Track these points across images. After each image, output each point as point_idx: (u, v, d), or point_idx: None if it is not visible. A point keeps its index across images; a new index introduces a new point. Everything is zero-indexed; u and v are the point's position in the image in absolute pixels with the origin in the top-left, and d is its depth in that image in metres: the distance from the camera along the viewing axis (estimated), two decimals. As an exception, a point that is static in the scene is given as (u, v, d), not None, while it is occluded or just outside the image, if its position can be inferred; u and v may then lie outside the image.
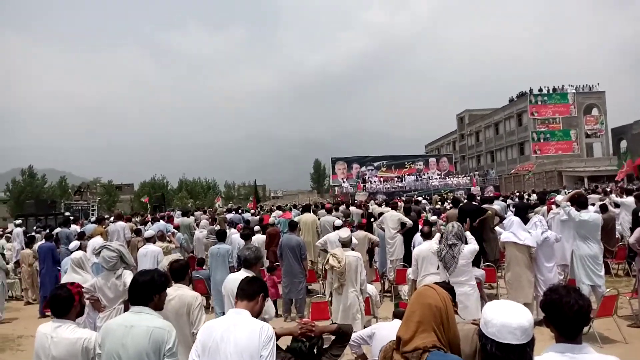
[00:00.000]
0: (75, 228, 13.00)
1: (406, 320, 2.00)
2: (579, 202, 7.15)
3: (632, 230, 8.14)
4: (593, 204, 11.56)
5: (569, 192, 11.25)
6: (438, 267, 5.78)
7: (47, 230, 11.88)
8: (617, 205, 11.36)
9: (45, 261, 9.60)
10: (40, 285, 9.66)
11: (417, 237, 8.59)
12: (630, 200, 11.11)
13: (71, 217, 17.83)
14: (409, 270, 7.70)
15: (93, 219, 18.97)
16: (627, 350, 5.72)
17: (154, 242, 8.17)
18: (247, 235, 8.57)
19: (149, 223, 13.70)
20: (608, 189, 20.06)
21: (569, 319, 1.92)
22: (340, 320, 5.49)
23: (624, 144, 51.69)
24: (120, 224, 10.72)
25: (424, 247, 6.63)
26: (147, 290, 2.86)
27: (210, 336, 2.62)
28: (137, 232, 10.21)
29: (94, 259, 7.15)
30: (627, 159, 18.06)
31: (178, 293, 3.78)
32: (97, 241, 8.80)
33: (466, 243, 5.68)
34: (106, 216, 17.15)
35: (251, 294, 2.80)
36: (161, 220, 12.86)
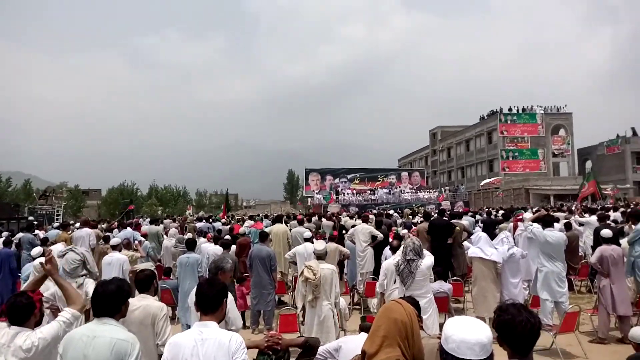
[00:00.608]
0: (38, 233, 12.58)
1: (372, 334, 2.01)
2: (545, 221, 7.35)
3: (594, 249, 8.41)
4: (558, 221, 11.90)
5: (535, 210, 11.53)
6: (395, 282, 5.84)
7: (6, 236, 11.41)
8: (581, 224, 11.70)
9: (2, 268, 9.17)
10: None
11: (387, 250, 8.66)
12: (593, 219, 11.48)
13: (35, 222, 17.25)
14: (378, 283, 7.74)
15: (57, 224, 18.42)
16: (587, 366, 5.86)
17: (120, 250, 7.97)
18: (226, 244, 8.46)
19: (115, 230, 13.38)
20: (573, 208, 20.65)
21: (522, 337, 1.98)
22: (315, 333, 5.43)
23: (589, 164, 53.45)
24: (86, 230, 10.42)
25: (392, 261, 6.66)
26: (114, 301, 2.80)
27: (178, 354, 2.56)
28: (106, 239, 9.94)
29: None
30: (589, 180, 18.65)
31: (143, 303, 3.69)
32: (58, 248, 8.52)
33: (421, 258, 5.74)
34: (71, 222, 16.68)
35: (214, 305, 2.74)
36: (128, 228, 12.56)
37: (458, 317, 1.94)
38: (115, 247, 7.88)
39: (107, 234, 11.73)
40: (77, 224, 13.14)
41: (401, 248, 6.65)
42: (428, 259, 5.74)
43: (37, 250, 7.00)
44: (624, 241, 8.03)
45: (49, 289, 5.14)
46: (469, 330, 1.80)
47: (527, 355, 2.02)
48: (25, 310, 2.97)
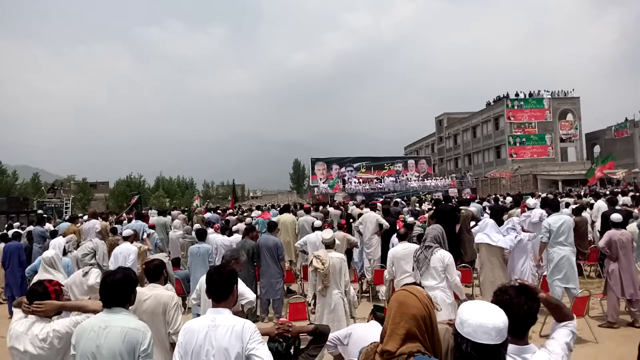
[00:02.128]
0: (48, 226, 12.70)
1: (392, 332, 1.97)
2: (551, 206, 7.32)
3: (601, 233, 8.37)
4: (568, 206, 11.84)
5: (539, 196, 11.42)
6: (413, 269, 5.78)
7: (14, 229, 11.54)
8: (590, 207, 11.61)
9: (11, 261, 9.29)
10: (6, 285, 9.34)
11: (394, 238, 8.68)
12: (601, 203, 11.41)
13: (44, 216, 17.41)
14: (386, 271, 7.76)
15: (66, 217, 18.59)
16: (598, 350, 5.86)
17: (132, 242, 8.02)
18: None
19: (125, 222, 13.47)
20: (581, 193, 20.55)
21: (519, 318, 2.00)
22: (326, 322, 5.46)
23: (597, 149, 53.05)
24: (94, 222, 10.52)
25: (399, 248, 6.68)
26: (122, 290, 2.81)
27: (192, 339, 2.59)
28: (113, 231, 10.01)
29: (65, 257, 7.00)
30: (606, 161, 18.53)
31: (153, 293, 3.72)
32: (59, 241, 8.59)
33: (444, 248, 5.64)
34: (80, 214, 16.80)
35: (225, 292, 2.75)
36: (138, 220, 12.64)
37: (473, 301, 1.92)
38: (127, 239, 7.94)
39: (117, 225, 11.81)
40: (86, 217, 13.24)
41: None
42: (442, 253, 5.55)
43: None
44: (633, 225, 7.98)
45: (59, 280, 5.21)
46: (486, 314, 1.79)
47: (523, 338, 2.04)
48: (40, 299, 3.01)
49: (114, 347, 2.63)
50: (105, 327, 2.68)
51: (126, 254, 7.30)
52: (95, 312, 2.97)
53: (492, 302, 2.04)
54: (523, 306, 2.00)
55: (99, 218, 11.89)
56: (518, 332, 2.01)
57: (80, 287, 4.89)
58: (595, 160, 22.14)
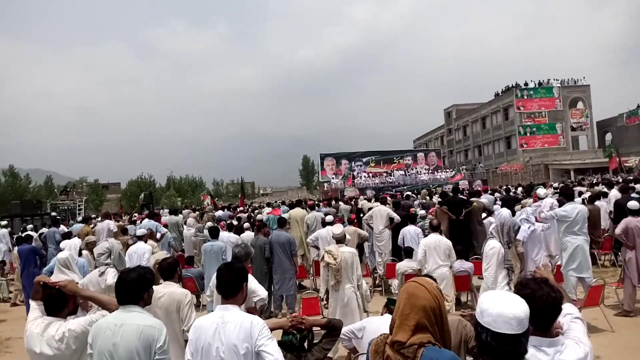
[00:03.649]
0: (62, 228, 12.85)
1: (401, 323, 1.97)
2: (566, 195, 7.25)
3: (614, 221, 8.28)
4: (581, 194, 11.72)
5: (550, 186, 11.31)
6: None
7: (30, 229, 11.71)
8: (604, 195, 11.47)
9: (27, 263, 9.42)
10: (23, 287, 9.47)
11: (405, 230, 8.70)
12: (614, 192, 11.29)
13: (58, 218, 17.62)
14: (399, 265, 7.76)
15: (80, 218, 18.79)
16: (614, 339, 5.82)
17: (146, 241, 8.10)
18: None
19: (138, 222, 13.59)
20: (594, 181, 20.32)
21: (544, 312, 1.96)
22: (339, 316, 5.48)
23: (609, 137, 52.40)
24: (107, 222, 10.64)
25: (431, 239, 6.79)
26: (136, 288, 2.83)
27: (201, 336, 2.61)
28: (124, 231, 10.11)
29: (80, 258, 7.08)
30: (613, 153, 18.34)
31: (167, 290, 3.76)
32: (74, 242, 8.70)
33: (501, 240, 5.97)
34: (93, 215, 16.97)
35: (234, 288, 2.75)
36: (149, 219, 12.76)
37: (494, 291, 1.90)
38: (141, 238, 8.01)
39: (130, 225, 11.93)
40: (99, 218, 13.39)
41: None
42: (489, 243, 6.00)
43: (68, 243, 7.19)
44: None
45: (74, 280, 5.27)
46: (506, 304, 1.76)
47: (549, 330, 2.00)
48: (58, 301, 3.03)
49: (131, 344, 2.64)
50: (121, 325, 2.70)
51: (141, 253, 7.38)
52: (109, 306, 3.00)
53: None
54: (547, 299, 1.96)
55: (112, 219, 12.01)
56: (543, 325, 1.98)
57: (97, 287, 4.94)
58: (608, 147, 21.87)
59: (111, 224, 10.55)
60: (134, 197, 50.52)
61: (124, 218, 16.47)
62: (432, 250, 6.64)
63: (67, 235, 9.96)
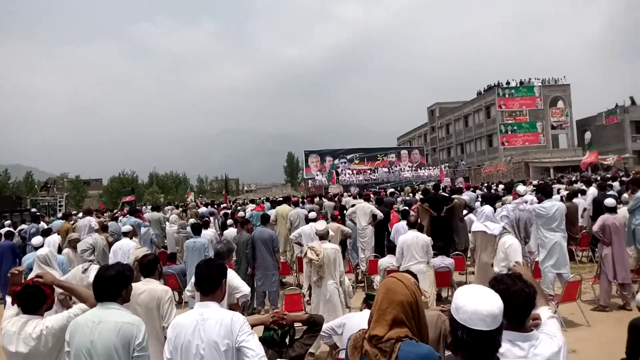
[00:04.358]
0: (42, 224, 12.64)
1: (379, 318, 1.99)
2: (544, 192, 7.38)
3: (592, 218, 8.46)
4: (559, 192, 11.93)
5: (530, 183, 11.51)
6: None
7: (5, 229, 11.48)
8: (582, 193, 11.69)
9: (4, 260, 9.25)
10: (2, 285, 9.30)
11: (399, 225, 8.76)
12: (592, 190, 11.51)
13: (38, 214, 17.32)
14: (381, 261, 7.83)
15: (60, 215, 18.50)
16: (590, 333, 5.95)
17: (131, 238, 8.04)
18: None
19: (120, 219, 13.42)
20: (573, 179, 20.69)
21: (517, 307, 1.99)
22: (322, 312, 5.50)
23: (588, 135, 53.30)
24: (88, 218, 10.50)
25: (409, 236, 6.82)
26: (115, 285, 2.81)
27: (180, 334, 2.59)
28: (104, 228, 10.00)
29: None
30: (594, 149, 18.68)
31: (148, 287, 3.74)
32: (53, 239, 8.59)
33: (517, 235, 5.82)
34: (73, 212, 16.72)
35: (213, 285, 2.74)
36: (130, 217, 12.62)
37: (469, 286, 1.90)
38: (126, 234, 7.94)
39: (111, 222, 11.79)
40: (80, 214, 13.20)
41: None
42: (506, 239, 5.68)
43: (37, 240, 7.08)
44: (623, 209, 8.06)
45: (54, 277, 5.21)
46: (481, 301, 1.77)
47: (523, 325, 2.03)
48: (36, 299, 3.00)
49: (109, 342, 2.63)
50: (99, 323, 2.67)
51: (126, 250, 7.31)
52: (88, 299, 2.97)
53: None
54: (521, 294, 1.99)
55: (93, 215, 11.85)
56: (517, 320, 2.01)
57: (80, 284, 4.89)
58: (592, 145, 22.28)
59: (92, 221, 10.41)
60: (115, 194, 49.94)
61: (105, 215, 16.25)
62: (409, 247, 6.69)
63: (47, 232, 9.81)
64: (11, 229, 11.29)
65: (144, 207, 21.47)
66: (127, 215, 11.81)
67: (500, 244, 5.43)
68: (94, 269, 4.99)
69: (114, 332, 2.65)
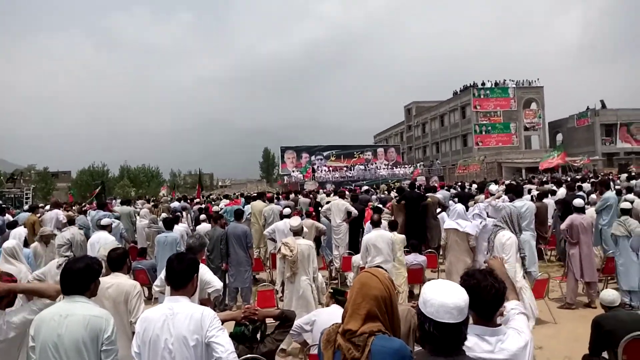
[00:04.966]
0: (7, 217, 12.25)
1: (353, 312, 2.00)
2: (515, 192, 7.52)
3: (560, 218, 8.66)
4: (530, 192, 12.18)
5: (502, 183, 11.72)
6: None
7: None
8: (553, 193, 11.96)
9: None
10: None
11: (368, 225, 8.79)
12: (562, 190, 11.79)
13: (3, 206, 16.80)
14: (355, 258, 7.85)
15: (26, 207, 17.97)
16: (557, 330, 6.10)
17: (110, 231, 7.87)
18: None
19: (89, 212, 13.11)
20: (544, 179, 21.17)
21: (487, 302, 2.03)
22: (294, 308, 5.49)
23: (559, 137, 54.63)
24: (56, 211, 10.24)
25: (372, 235, 6.82)
26: (83, 278, 2.75)
27: (149, 328, 2.55)
28: (71, 222, 9.76)
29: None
30: (560, 152, 19.14)
31: (116, 281, 3.67)
32: (19, 231, 8.35)
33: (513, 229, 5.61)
34: (40, 205, 16.27)
35: (184, 279, 2.71)
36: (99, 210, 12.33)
37: (435, 281, 1.94)
38: (104, 228, 7.77)
39: (80, 215, 11.51)
40: (47, 207, 12.84)
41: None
42: (503, 233, 5.53)
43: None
44: (591, 210, 8.28)
45: (21, 270, 5.06)
46: (447, 294, 1.81)
47: (492, 319, 2.08)
48: None
49: (77, 335, 2.57)
50: (66, 316, 2.61)
51: (103, 243, 7.14)
52: (48, 293, 2.89)
53: (460, 285, 2.05)
54: (490, 289, 2.03)
55: (61, 208, 11.55)
56: (487, 314, 2.06)
57: (53, 280, 4.76)
58: (557, 147, 22.76)
59: (60, 214, 10.16)
60: (85, 187, 48.84)
61: (74, 208, 15.86)
62: (373, 245, 6.68)
63: (13, 225, 9.52)
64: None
65: (113, 200, 21.04)
66: (97, 209, 11.55)
67: (497, 239, 5.39)
68: None
69: (82, 326, 2.59)
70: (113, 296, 3.57)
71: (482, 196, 9.79)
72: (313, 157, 49.26)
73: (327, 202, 11.10)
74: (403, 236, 7.58)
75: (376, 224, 7.11)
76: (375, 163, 47.69)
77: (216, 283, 4.24)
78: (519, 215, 6.31)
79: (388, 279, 2.09)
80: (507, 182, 17.96)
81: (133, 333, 3.43)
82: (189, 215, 13.29)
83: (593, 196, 9.61)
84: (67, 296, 2.72)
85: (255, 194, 14.69)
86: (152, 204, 16.67)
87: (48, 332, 2.59)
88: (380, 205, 10.78)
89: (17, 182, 31.89)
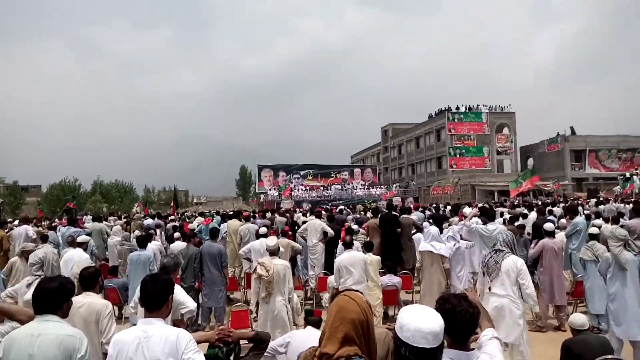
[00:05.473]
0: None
1: (330, 335, 2.01)
2: (487, 215, 7.67)
3: (530, 242, 8.87)
4: (502, 215, 12.43)
5: (476, 206, 11.94)
6: (484, 274, 5.30)
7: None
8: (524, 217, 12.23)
9: None
10: None
11: (341, 246, 8.79)
12: (533, 214, 12.06)
13: (-32, 220, 16.24)
14: (330, 279, 7.84)
15: (-7, 222, 17.39)
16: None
17: (85, 249, 7.69)
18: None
19: (59, 228, 12.79)
20: (515, 203, 21.61)
21: (461, 326, 2.08)
22: (269, 329, 5.44)
23: (530, 162, 56.03)
24: (25, 227, 9.95)
25: (345, 256, 6.82)
26: (56, 298, 2.71)
27: (122, 350, 2.51)
28: (44, 239, 9.51)
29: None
30: (527, 177, 19.57)
31: (87, 300, 3.59)
32: None
33: (515, 254, 5.28)
34: (9, 219, 15.79)
35: (159, 301, 2.68)
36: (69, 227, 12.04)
37: (412, 306, 1.97)
38: (81, 245, 7.59)
39: (50, 231, 11.21)
40: (16, 222, 12.47)
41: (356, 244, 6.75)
42: (514, 259, 5.14)
43: None
44: (561, 234, 8.49)
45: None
46: (423, 319, 1.84)
47: (465, 344, 2.12)
48: None
49: (49, 355, 2.52)
50: (38, 336, 2.56)
51: (77, 261, 6.96)
52: (18, 316, 2.83)
53: (435, 310, 2.09)
54: (465, 314, 2.07)
55: (31, 223, 11.24)
56: (460, 339, 2.10)
57: (21, 299, 4.62)
58: (524, 173, 23.25)
59: (30, 230, 9.88)
60: (55, 201, 47.63)
61: (43, 223, 15.45)
62: (345, 267, 6.65)
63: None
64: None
65: (84, 216, 20.56)
66: (67, 225, 11.27)
67: (509, 264, 5.06)
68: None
69: (55, 345, 2.55)
70: (84, 316, 3.49)
71: (456, 218, 9.93)
72: (290, 176, 49.25)
73: (304, 222, 11.10)
74: (379, 257, 7.61)
75: (348, 245, 7.11)
76: (352, 183, 47.94)
77: (190, 304, 4.18)
78: (513, 239, 6.25)
79: (366, 302, 2.11)
80: (480, 204, 18.28)
81: (104, 354, 3.36)
82: (162, 232, 13.09)
83: (563, 220, 9.85)
84: (39, 315, 2.67)
85: (232, 212, 14.59)
86: (124, 220, 16.37)
87: (19, 352, 2.53)
88: (356, 226, 10.83)
89: (-16, 195, 30.92)
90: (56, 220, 19.11)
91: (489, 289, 5.15)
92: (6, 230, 10.40)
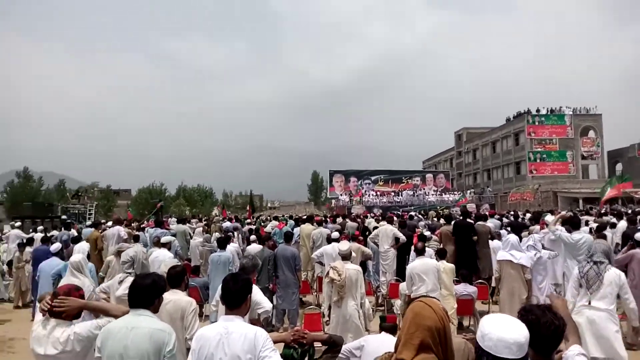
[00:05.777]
0: (72, 232, 12.99)
1: (406, 342, 1.98)
2: (572, 223, 7.27)
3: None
4: (587, 223, 11.69)
5: (558, 213, 11.33)
6: (581, 286, 5.06)
7: (43, 234, 11.85)
8: (612, 226, 11.43)
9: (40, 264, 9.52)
10: (33, 289, 9.54)
11: (413, 252, 8.70)
12: (623, 223, 11.23)
13: (69, 221, 17.82)
14: (402, 285, 7.78)
15: (89, 222, 18.95)
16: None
17: (169, 249, 8.24)
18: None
19: (147, 229, 13.70)
20: (602, 211, 20.17)
21: (546, 338, 2.00)
22: (340, 332, 5.48)
23: (619, 167, 52.00)
24: (118, 228, 10.76)
25: (417, 263, 6.75)
26: (150, 294, 2.92)
27: (204, 346, 2.63)
28: (135, 239, 10.26)
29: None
30: (613, 184, 18.17)
31: (173, 298, 3.84)
32: (82, 246, 8.84)
33: (610, 263, 5.08)
34: (103, 221, 17.10)
35: (238, 299, 2.80)
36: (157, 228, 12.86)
37: (495, 314, 1.91)
38: (164, 245, 8.16)
39: (139, 233, 12.04)
40: (110, 223, 13.52)
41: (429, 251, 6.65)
42: (616, 272, 4.97)
43: (55, 246, 7.35)
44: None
45: (85, 284, 5.39)
46: (507, 329, 1.79)
47: (549, 357, 2.03)
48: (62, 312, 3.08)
49: (142, 347, 2.72)
50: (131, 329, 2.77)
51: (162, 260, 7.50)
52: (113, 313, 3.07)
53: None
54: (550, 326, 2.00)
55: (123, 225, 12.14)
56: (545, 352, 2.01)
57: (113, 295, 5.03)
58: (610, 180, 21.53)
59: (122, 230, 10.66)
60: (143, 204, 50.88)
61: (132, 225, 16.59)
62: (417, 274, 6.58)
63: (77, 239, 10.09)
64: (46, 234, 11.66)
65: (169, 218, 21.82)
66: (154, 227, 12.05)
67: (612, 278, 4.86)
68: (129, 281, 5.13)
69: (147, 338, 2.75)
70: (170, 312, 3.74)
71: (537, 227, 9.49)
72: (361, 181, 49.23)
73: (375, 228, 11.09)
74: (452, 265, 7.45)
75: (420, 252, 7.04)
76: (424, 189, 47.07)
77: (266, 304, 4.34)
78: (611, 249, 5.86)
79: (442, 309, 2.08)
80: (563, 212, 17.28)
81: (187, 349, 3.59)
82: (240, 235, 13.62)
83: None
84: (133, 309, 2.90)
85: (305, 217, 14.86)
86: (204, 222, 17.20)
87: (115, 344, 2.75)
88: (428, 233, 10.65)
89: (82, 198, 33.70)
90: (145, 222, 20.43)
91: (588, 302, 4.86)
92: (100, 231, 11.31)
